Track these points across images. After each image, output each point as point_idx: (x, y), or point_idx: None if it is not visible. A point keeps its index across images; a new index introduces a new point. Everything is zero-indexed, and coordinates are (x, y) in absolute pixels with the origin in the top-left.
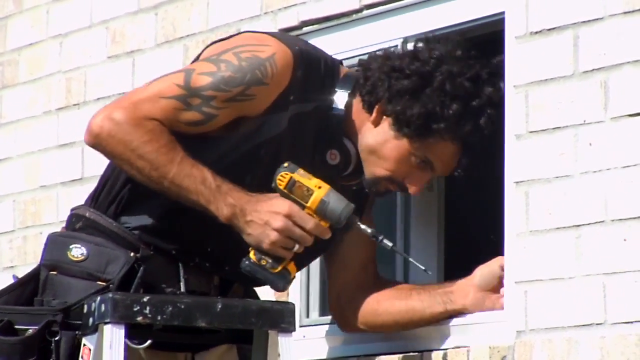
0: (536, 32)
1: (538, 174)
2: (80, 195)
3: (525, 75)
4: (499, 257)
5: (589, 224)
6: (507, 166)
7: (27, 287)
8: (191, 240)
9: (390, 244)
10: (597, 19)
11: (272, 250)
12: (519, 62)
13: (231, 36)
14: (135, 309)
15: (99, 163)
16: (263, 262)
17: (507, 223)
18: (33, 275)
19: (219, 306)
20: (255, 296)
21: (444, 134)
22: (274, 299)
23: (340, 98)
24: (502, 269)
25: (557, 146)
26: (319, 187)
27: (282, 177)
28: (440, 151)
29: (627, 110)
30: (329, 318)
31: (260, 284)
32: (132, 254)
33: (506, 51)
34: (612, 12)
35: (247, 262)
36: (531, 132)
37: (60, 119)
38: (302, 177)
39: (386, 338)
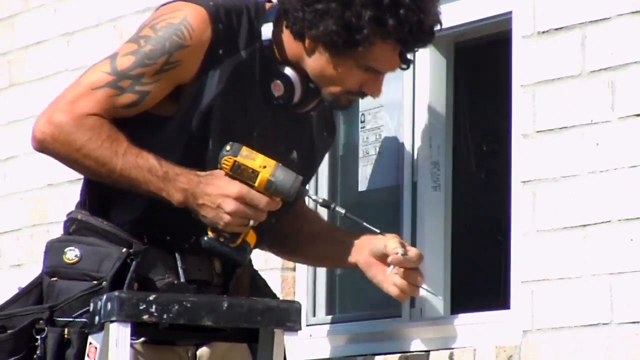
0: (543, 32)
1: (545, 173)
2: None
3: (533, 74)
4: (391, 236)
5: (595, 223)
6: (514, 165)
7: (31, 296)
8: (182, 219)
9: (343, 211)
10: (604, 19)
11: (229, 229)
12: (526, 62)
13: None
14: (142, 308)
15: None
16: (221, 239)
17: (514, 222)
18: (36, 284)
19: (225, 305)
20: (263, 283)
21: (371, 39)
22: (281, 297)
23: (266, 29)
24: (386, 248)
25: (564, 146)
26: (264, 167)
27: (226, 162)
28: (378, 55)
29: (634, 110)
30: (335, 317)
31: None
32: (124, 250)
33: (513, 51)
34: (619, 12)
35: (206, 239)
36: (538, 131)
37: None
38: (246, 158)
39: (392, 337)
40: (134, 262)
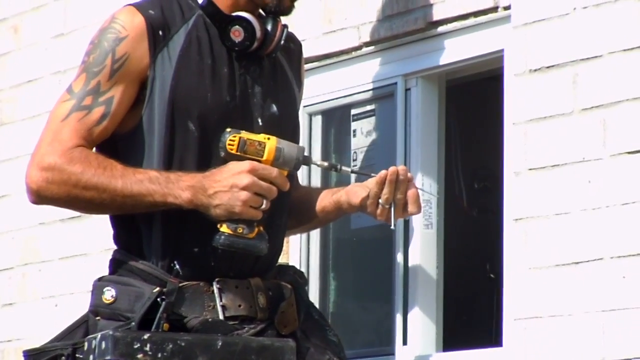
0: (535, 70)
1: (537, 211)
2: (79, 232)
3: (524, 112)
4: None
5: (587, 261)
6: (506, 203)
7: (77, 334)
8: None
9: (349, 169)
10: (596, 57)
11: (245, 212)
12: (517, 99)
13: None
14: (136, 347)
15: None
16: (239, 230)
17: (506, 260)
18: (82, 322)
19: (219, 344)
20: (318, 315)
21: None
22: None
23: None
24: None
25: (555, 183)
26: (268, 139)
27: (232, 141)
28: None
29: (626, 148)
30: None
31: (239, 255)
32: (155, 289)
33: (505, 88)
34: (611, 50)
35: (223, 237)
36: (530, 169)
37: None
38: (249, 134)
39: None
40: (164, 302)
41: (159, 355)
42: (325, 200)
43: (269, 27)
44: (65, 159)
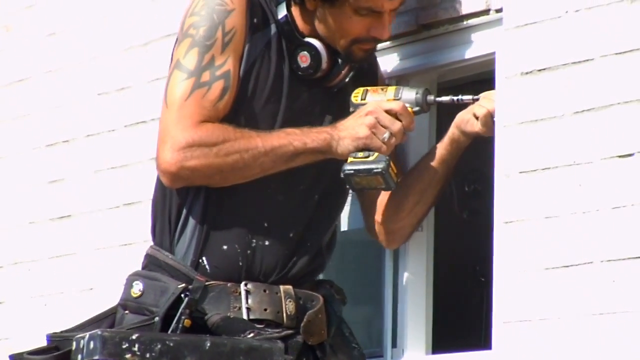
0: (527, 73)
1: (527, 214)
2: (68, 231)
3: (516, 115)
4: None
5: (577, 264)
6: (497, 206)
7: (102, 324)
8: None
9: (470, 96)
10: (588, 60)
11: (369, 137)
12: (509, 102)
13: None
14: (124, 347)
15: (87, 200)
16: (359, 155)
17: (496, 263)
18: (109, 314)
19: (208, 344)
20: (349, 332)
21: None
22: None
23: (281, 8)
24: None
25: (546, 186)
26: (389, 85)
27: (356, 93)
28: None
29: (617, 151)
30: None
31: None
32: (180, 285)
33: (496, 91)
34: (603, 53)
35: (346, 168)
36: (521, 172)
37: (49, 155)
38: (371, 86)
39: None
40: (186, 298)
41: (147, 355)
42: (438, 153)
43: (339, 62)
44: (201, 133)
